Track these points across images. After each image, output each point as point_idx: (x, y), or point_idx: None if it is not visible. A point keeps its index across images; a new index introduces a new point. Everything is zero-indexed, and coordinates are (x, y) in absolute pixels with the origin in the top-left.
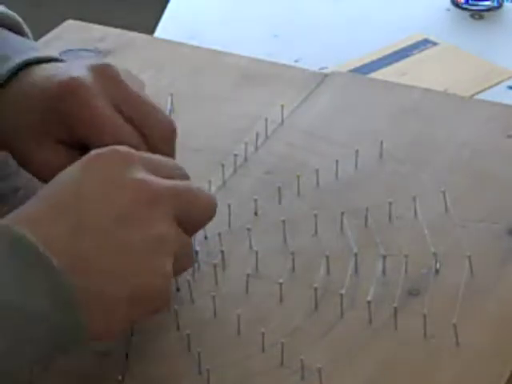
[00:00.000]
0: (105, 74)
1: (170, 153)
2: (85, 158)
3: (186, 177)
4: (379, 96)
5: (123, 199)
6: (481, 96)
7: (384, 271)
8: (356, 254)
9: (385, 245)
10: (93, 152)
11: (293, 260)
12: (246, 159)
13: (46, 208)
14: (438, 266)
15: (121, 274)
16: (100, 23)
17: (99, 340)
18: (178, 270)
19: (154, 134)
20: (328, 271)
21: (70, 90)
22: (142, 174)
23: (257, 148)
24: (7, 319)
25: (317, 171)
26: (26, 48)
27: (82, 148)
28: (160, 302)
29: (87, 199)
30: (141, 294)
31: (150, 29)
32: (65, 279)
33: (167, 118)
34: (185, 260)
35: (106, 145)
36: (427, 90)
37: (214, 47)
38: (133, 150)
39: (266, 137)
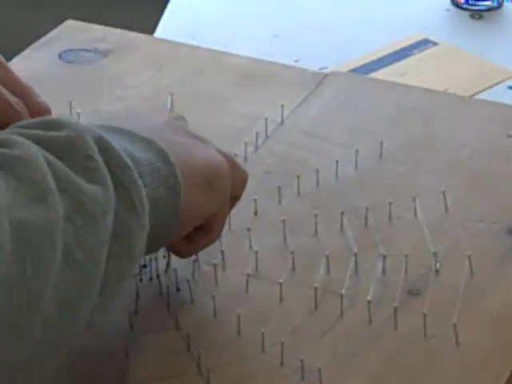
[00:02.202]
0: None
1: None
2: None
3: None
4: (379, 96)
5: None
6: (481, 96)
7: (384, 271)
8: (356, 254)
9: (385, 245)
10: None
11: (293, 260)
12: (245, 159)
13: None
14: (437, 266)
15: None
16: (100, 23)
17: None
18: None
19: (32, 113)
20: (328, 271)
21: None
22: None
23: (257, 148)
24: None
25: (317, 171)
26: None
27: None
28: (225, 175)
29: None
30: (210, 165)
31: (150, 29)
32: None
33: (45, 103)
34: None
35: None
36: (427, 90)
37: (214, 47)
38: None
39: (266, 137)
